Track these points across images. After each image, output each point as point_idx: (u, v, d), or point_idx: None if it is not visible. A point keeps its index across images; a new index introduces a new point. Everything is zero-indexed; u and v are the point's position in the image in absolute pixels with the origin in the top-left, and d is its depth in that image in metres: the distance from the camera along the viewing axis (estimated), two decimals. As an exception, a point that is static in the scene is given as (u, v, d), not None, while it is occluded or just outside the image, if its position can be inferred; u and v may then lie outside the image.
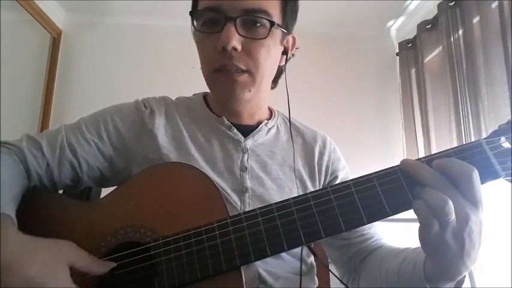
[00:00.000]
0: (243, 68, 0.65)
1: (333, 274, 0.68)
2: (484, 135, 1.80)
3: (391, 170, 0.51)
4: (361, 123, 2.49)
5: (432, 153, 2.08)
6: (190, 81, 2.29)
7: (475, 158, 0.49)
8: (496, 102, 1.65)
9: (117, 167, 0.71)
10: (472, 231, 0.46)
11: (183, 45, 2.61)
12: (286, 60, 0.76)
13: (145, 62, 2.48)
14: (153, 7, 2.42)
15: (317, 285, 0.75)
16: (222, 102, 0.74)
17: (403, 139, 2.39)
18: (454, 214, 0.45)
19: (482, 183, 0.48)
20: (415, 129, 2.26)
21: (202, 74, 0.71)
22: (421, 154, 2.18)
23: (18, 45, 2.15)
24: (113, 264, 0.53)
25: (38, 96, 2.34)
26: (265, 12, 0.64)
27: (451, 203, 0.45)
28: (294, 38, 0.75)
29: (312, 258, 0.76)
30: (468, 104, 1.79)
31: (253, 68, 0.66)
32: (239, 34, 0.63)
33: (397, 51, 2.51)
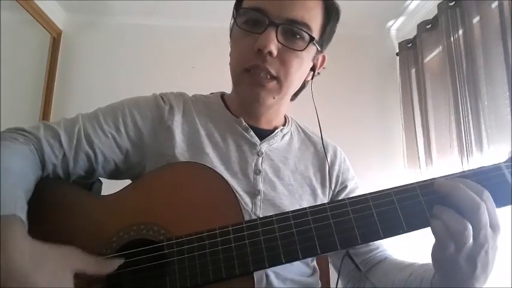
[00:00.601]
0: (274, 73, 0.66)
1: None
2: (484, 135, 1.80)
3: (409, 187, 0.51)
4: (361, 123, 2.48)
5: (432, 154, 2.05)
6: (190, 81, 2.30)
7: (494, 181, 0.49)
8: (496, 103, 1.65)
9: (131, 161, 0.70)
10: (487, 255, 0.46)
11: (183, 45, 2.63)
12: (313, 77, 0.77)
13: (145, 62, 2.48)
14: (153, 7, 2.42)
15: (320, 286, 0.75)
16: (243, 103, 0.75)
17: (403, 139, 2.39)
18: (471, 238, 0.45)
19: (499, 207, 0.47)
20: (415, 129, 2.25)
21: (230, 70, 0.72)
22: (421, 154, 2.18)
23: (18, 45, 2.15)
24: (120, 262, 0.52)
25: (38, 96, 2.34)
26: (308, 26, 0.66)
27: (470, 228, 0.44)
28: (324, 58, 0.77)
29: (314, 262, 0.76)
30: (468, 104, 1.79)
31: (283, 76, 0.67)
32: (278, 41, 0.64)
33: (397, 51, 2.51)
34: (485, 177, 0.49)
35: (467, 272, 0.47)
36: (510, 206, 0.49)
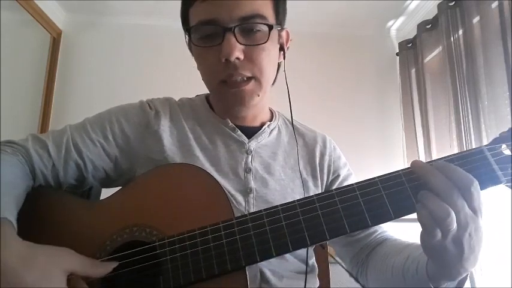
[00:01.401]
0: (249, 75, 0.66)
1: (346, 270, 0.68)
2: (484, 135, 1.80)
3: (395, 174, 0.52)
4: (361, 123, 2.49)
5: (432, 154, 2.06)
6: (190, 81, 2.29)
7: (477, 164, 0.50)
8: (496, 103, 1.65)
9: (121, 167, 0.71)
10: (471, 237, 0.47)
11: (183, 45, 2.61)
12: (284, 56, 0.75)
13: (145, 62, 2.48)
14: (153, 7, 2.42)
15: (318, 285, 0.75)
16: (228, 107, 0.74)
17: (403, 139, 2.39)
18: (456, 224, 0.46)
19: (483, 188, 0.49)
20: (415, 129, 2.26)
21: (205, 85, 0.72)
22: (421, 154, 2.18)
23: (18, 45, 2.15)
24: (114, 265, 0.53)
25: (38, 96, 2.34)
26: (261, 17, 0.65)
27: (453, 214, 0.45)
28: (287, 32, 0.75)
29: (313, 259, 0.76)
30: (468, 104, 1.79)
31: (258, 73, 0.67)
32: (240, 43, 0.63)
33: (397, 51, 2.52)
34: (468, 161, 0.51)
35: (455, 254, 0.48)
36: (510, 207, 0.50)
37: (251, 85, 0.67)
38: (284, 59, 0.76)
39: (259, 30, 0.65)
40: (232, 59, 0.62)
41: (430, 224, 0.46)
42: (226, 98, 0.70)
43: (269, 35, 0.65)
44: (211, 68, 0.67)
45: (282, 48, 0.74)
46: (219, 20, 0.63)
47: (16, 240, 0.47)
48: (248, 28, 0.64)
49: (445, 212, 0.45)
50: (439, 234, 0.46)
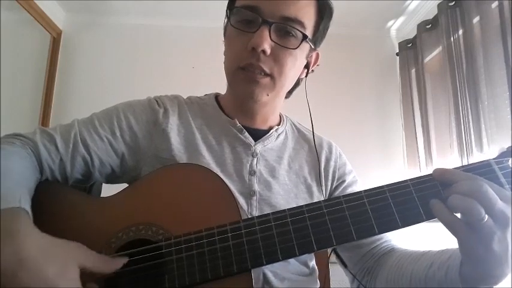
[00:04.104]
0: (267, 71, 0.67)
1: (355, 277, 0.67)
2: (484, 135, 1.80)
3: (403, 184, 0.52)
4: (361, 123, 2.49)
5: (432, 154, 2.05)
6: (190, 81, 2.30)
7: (485, 176, 0.50)
8: (496, 102, 1.65)
9: (127, 164, 0.71)
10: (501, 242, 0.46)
11: (183, 45, 2.63)
12: (307, 74, 0.77)
13: (145, 62, 2.48)
14: (153, 7, 2.42)
15: (319, 286, 0.75)
16: (238, 101, 0.75)
17: (403, 139, 2.39)
18: (486, 216, 0.45)
19: None
20: (415, 129, 2.26)
21: (224, 69, 0.72)
22: (421, 154, 2.18)
23: (18, 45, 2.15)
24: (124, 260, 0.52)
25: (38, 96, 2.34)
26: (301, 24, 0.66)
27: (477, 204, 0.45)
28: (317, 55, 0.77)
29: (313, 262, 0.76)
30: (468, 104, 1.80)
31: (277, 73, 0.67)
32: (271, 39, 0.64)
33: (397, 51, 2.52)
34: (476, 173, 0.50)
35: (500, 256, 0.46)
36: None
37: (265, 81, 0.68)
38: (306, 76, 0.77)
39: (293, 36, 0.66)
40: (259, 49, 0.64)
41: (465, 205, 0.45)
42: (239, 86, 0.70)
43: (300, 44, 0.66)
44: (237, 53, 0.68)
45: (307, 67, 0.76)
46: (261, 10, 0.64)
47: (34, 231, 0.47)
48: (284, 29, 0.66)
49: (467, 203, 0.45)
50: (482, 211, 0.45)
